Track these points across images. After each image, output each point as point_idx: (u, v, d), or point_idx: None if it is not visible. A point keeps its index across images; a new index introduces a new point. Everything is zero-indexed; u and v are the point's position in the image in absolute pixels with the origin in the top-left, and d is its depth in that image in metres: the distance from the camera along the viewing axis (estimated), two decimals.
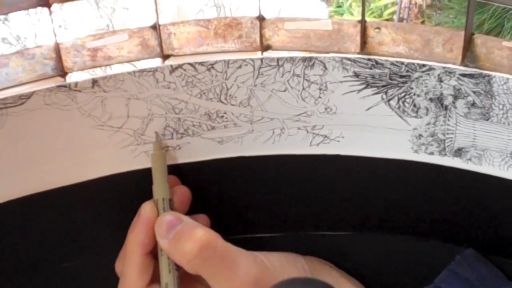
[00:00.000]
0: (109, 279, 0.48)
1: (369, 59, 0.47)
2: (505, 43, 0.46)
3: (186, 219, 0.46)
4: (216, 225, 0.48)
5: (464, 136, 0.48)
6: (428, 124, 0.48)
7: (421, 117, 0.48)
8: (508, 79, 0.45)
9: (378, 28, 0.48)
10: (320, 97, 0.49)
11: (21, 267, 0.51)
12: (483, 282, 0.48)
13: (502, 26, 3.08)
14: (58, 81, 0.48)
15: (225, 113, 0.50)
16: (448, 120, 0.48)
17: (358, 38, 0.48)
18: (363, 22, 0.48)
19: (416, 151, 0.49)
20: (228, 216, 0.53)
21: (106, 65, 0.49)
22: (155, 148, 0.49)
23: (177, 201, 0.48)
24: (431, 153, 0.49)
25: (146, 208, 0.47)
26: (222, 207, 0.53)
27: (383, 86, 0.48)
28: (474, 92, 0.46)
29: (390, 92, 0.48)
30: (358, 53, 0.48)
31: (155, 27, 0.49)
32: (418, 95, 0.47)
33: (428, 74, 0.47)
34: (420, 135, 0.49)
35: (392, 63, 0.47)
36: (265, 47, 0.49)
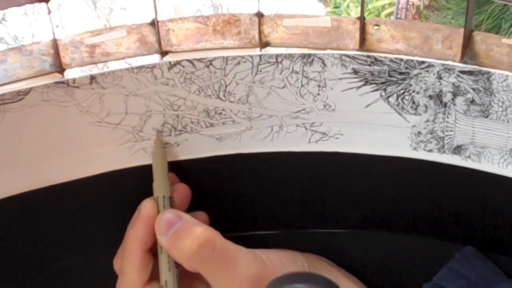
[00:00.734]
0: (107, 277, 0.48)
1: (368, 56, 0.47)
2: (505, 40, 0.46)
3: (186, 216, 0.46)
4: (215, 223, 0.48)
5: (463, 133, 0.48)
6: (427, 121, 0.48)
7: (420, 114, 0.48)
8: (507, 76, 0.45)
9: (377, 25, 0.48)
10: (319, 94, 0.49)
11: (18, 264, 0.51)
12: (482, 279, 0.48)
13: (499, 27, 3.08)
14: (56, 77, 0.48)
15: (223, 110, 0.49)
16: (447, 117, 0.47)
17: (357, 35, 0.48)
18: (362, 19, 0.48)
19: (415, 149, 0.49)
20: (227, 213, 0.53)
21: (104, 62, 0.49)
22: (156, 145, 0.49)
23: (177, 199, 0.48)
24: (430, 151, 0.49)
25: (147, 206, 0.47)
26: (221, 204, 0.53)
27: (382, 83, 0.48)
28: (473, 89, 0.46)
29: (389, 89, 0.48)
30: (357, 50, 0.48)
31: (153, 24, 0.49)
32: (417, 92, 0.47)
33: (427, 71, 0.46)
34: (419, 132, 0.49)
35: (391, 60, 0.47)
36: (264, 44, 0.49)
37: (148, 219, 0.46)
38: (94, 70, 0.48)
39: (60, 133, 0.48)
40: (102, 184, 0.50)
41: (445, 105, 0.47)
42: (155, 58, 0.50)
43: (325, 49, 0.49)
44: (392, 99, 0.48)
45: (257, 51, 0.49)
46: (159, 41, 0.49)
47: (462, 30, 0.47)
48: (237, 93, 0.49)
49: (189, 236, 0.44)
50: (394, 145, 0.49)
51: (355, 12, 3.56)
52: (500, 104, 0.46)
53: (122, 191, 0.50)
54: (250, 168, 0.52)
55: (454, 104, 0.47)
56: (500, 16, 3.05)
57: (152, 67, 0.47)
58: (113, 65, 0.48)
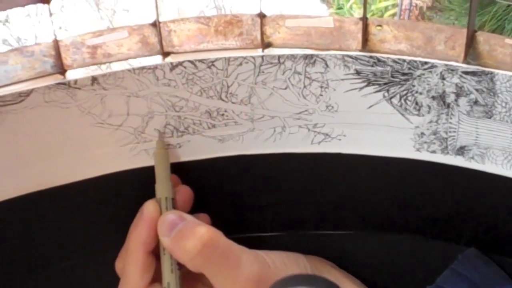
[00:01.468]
0: (109, 278, 0.48)
1: (370, 57, 0.47)
2: (508, 41, 0.46)
3: (189, 217, 0.46)
4: (217, 224, 0.47)
5: (467, 134, 0.47)
6: (430, 122, 0.48)
7: (423, 115, 0.48)
8: (511, 76, 0.44)
9: (380, 25, 0.48)
10: (321, 95, 0.48)
11: (20, 266, 0.51)
12: (485, 281, 0.48)
13: (503, 28, 3.07)
14: (58, 78, 0.48)
15: (225, 111, 0.49)
16: (451, 118, 0.47)
17: (359, 36, 0.48)
18: (364, 19, 0.48)
19: (418, 150, 0.49)
20: (229, 215, 0.53)
21: (105, 63, 0.49)
22: (158, 146, 0.49)
23: (180, 200, 0.48)
24: (433, 152, 0.49)
25: (149, 207, 0.46)
26: (223, 206, 0.53)
27: (385, 84, 0.47)
28: (476, 90, 0.46)
29: (392, 90, 0.47)
30: (360, 51, 0.48)
31: (155, 24, 0.49)
32: (420, 93, 0.47)
33: (430, 71, 0.46)
34: (422, 133, 0.48)
35: (394, 61, 0.47)
36: (266, 45, 0.49)
37: (150, 221, 0.46)
38: (96, 71, 0.48)
39: (62, 134, 0.48)
40: (104, 186, 0.50)
41: (448, 106, 0.47)
42: (157, 59, 0.49)
43: (327, 49, 0.49)
44: (395, 100, 0.48)
45: (259, 52, 0.49)
46: (160, 42, 0.49)
47: (465, 30, 0.47)
48: (239, 94, 0.49)
49: (193, 236, 0.44)
50: (397, 146, 0.49)
51: (358, 13, 3.56)
52: (503, 104, 0.45)
53: (124, 192, 0.50)
54: (253, 169, 0.51)
55: (458, 105, 0.47)
56: (504, 17, 3.04)
57: (154, 68, 0.47)
58: (115, 66, 0.48)
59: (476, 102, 0.46)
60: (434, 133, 0.48)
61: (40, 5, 0.47)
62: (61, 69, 0.48)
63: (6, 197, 0.48)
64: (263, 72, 0.48)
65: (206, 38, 0.49)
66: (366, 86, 0.48)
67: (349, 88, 0.48)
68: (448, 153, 0.48)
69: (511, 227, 0.50)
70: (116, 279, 0.48)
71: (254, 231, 0.54)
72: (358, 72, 0.47)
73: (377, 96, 0.48)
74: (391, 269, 0.53)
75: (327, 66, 0.47)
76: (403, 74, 0.47)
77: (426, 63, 0.46)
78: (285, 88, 0.48)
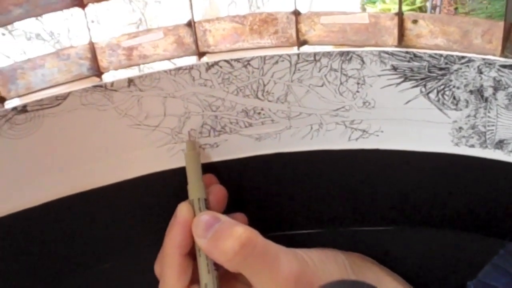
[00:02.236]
0: (148, 280, 0.48)
1: (407, 52, 0.47)
2: None
3: (224, 217, 0.46)
4: (256, 223, 0.47)
5: (505, 128, 0.47)
6: (468, 116, 0.48)
7: (461, 110, 0.48)
8: None
9: (416, 20, 0.48)
10: (358, 91, 0.48)
11: (59, 268, 0.51)
12: None
13: None
14: (94, 81, 0.48)
15: (262, 109, 0.49)
16: (489, 112, 0.47)
17: (395, 31, 0.48)
18: (400, 15, 0.48)
19: (456, 144, 0.49)
20: (267, 213, 0.53)
21: (141, 64, 0.49)
22: (188, 148, 0.49)
23: (213, 201, 0.48)
24: (472, 146, 0.48)
25: (182, 209, 0.46)
26: (261, 204, 0.53)
27: (422, 79, 0.47)
28: None
29: (429, 85, 0.47)
30: (396, 46, 0.48)
31: (190, 25, 0.49)
32: (458, 88, 0.47)
33: (468, 66, 0.46)
34: (460, 128, 0.48)
35: (430, 56, 0.46)
36: (302, 42, 0.49)
37: (184, 223, 0.46)
38: (132, 72, 0.48)
39: (99, 137, 0.48)
40: (142, 187, 0.50)
41: (486, 99, 0.47)
42: (192, 59, 0.49)
43: (363, 46, 0.48)
44: (432, 95, 0.47)
45: (295, 50, 0.49)
46: (196, 42, 0.49)
47: (502, 23, 0.46)
48: (275, 93, 0.49)
49: (230, 237, 0.44)
50: (435, 141, 0.49)
51: (390, 0, 3.53)
52: None
53: (162, 193, 0.50)
54: (290, 167, 0.51)
55: (496, 99, 0.46)
56: None
57: (190, 68, 0.47)
58: (151, 67, 0.48)
59: None
60: (472, 127, 0.48)
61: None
62: (97, 72, 0.48)
63: (46, 200, 0.48)
64: (299, 70, 0.48)
65: (241, 37, 0.49)
66: (403, 81, 0.48)
67: (385, 84, 0.48)
68: (487, 147, 0.48)
69: None
70: (155, 281, 0.48)
71: (292, 229, 0.54)
72: (394, 68, 0.47)
73: (414, 92, 0.48)
74: (431, 265, 0.53)
75: (363, 62, 0.47)
76: (440, 69, 0.47)
77: (463, 57, 0.46)
78: (322, 85, 0.48)
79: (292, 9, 0.49)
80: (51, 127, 0.46)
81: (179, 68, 0.47)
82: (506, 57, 0.46)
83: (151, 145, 0.49)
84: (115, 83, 0.47)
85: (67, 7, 0.46)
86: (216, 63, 0.47)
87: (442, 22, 0.48)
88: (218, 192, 0.49)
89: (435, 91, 0.47)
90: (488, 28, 0.47)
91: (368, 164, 0.51)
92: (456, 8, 3.52)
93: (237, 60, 0.47)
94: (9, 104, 0.47)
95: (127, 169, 0.50)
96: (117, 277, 0.53)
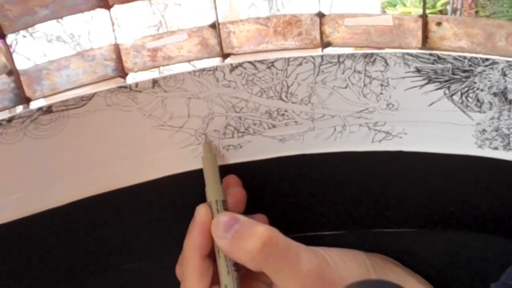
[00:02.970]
0: (171, 280, 0.48)
1: (431, 54, 0.47)
2: None
3: (243, 218, 0.46)
4: (278, 223, 0.48)
5: None
6: (492, 118, 0.48)
7: (484, 112, 0.47)
8: None
9: (440, 22, 0.48)
10: (381, 93, 0.48)
11: (84, 268, 0.52)
12: None
13: None
14: (119, 82, 0.48)
15: (286, 111, 0.49)
16: None
17: (419, 33, 0.48)
18: (424, 17, 0.48)
19: (480, 146, 0.49)
20: (290, 214, 0.53)
21: (166, 65, 0.49)
22: (205, 150, 0.49)
23: (232, 202, 0.48)
24: (496, 148, 0.48)
25: (201, 211, 0.47)
26: (284, 205, 0.53)
27: (445, 81, 0.47)
28: None
29: (453, 87, 0.47)
30: (420, 48, 0.48)
31: (214, 26, 0.49)
32: (482, 90, 0.47)
33: (492, 68, 0.46)
34: (484, 130, 0.48)
35: (454, 58, 0.46)
36: (325, 44, 0.49)
37: (203, 225, 0.46)
38: (156, 73, 0.48)
39: (124, 137, 0.48)
40: (166, 188, 0.50)
41: (510, 102, 0.47)
42: (216, 61, 0.50)
43: (387, 48, 0.48)
44: (456, 97, 0.47)
45: (318, 52, 0.49)
46: (220, 43, 0.49)
47: None
48: (299, 94, 0.49)
49: (252, 236, 0.44)
50: (459, 143, 0.49)
51: (410, 2, 3.51)
52: None
53: (186, 193, 0.51)
54: (313, 168, 0.51)
55: None
56: None
57: (214, 69, 0.47)
58: (175, 68, 0.49)
59: None
60: (496, 129, 0.48)
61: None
62: (122, 73, 0.49)
63: (70, 200, 0.49)
64: (322, 71, 0.48)
65: (266, 39, 0.49)
66: (427, 83, 0.48)
67: (409, 86, 0.48)
68: (510, 149, 0.48)
69: None
70: (177, 281, 0.48)
71: (315, 230, 0.54)
72: (418, 70, 0.47)
73: (438, 94, 0.48)
74: (455, 266, 0.53)
75: (387, 64, 0.47)
76: (464, 71, 0.46)
77: (487, 59, 0.46)
78: (345, 87, 0.48)
79: (316, 11, 0.49)
80: (76, 127, 0.47)
81: (203, 70, 0.47)
82: None
83: (175, 146, 0.50)
84: (140, 84, 0.47)
85: (93, 8, 0.47)
86: (240, 64, 0.48)
87: (466, 25, 0.47)
88: (237, 193, 0.49)
89: (459, 93, 0.47)
90: None
91: (391, 166, 0.51)
92: (477, 11, 3.51)
93: (261, 61, 0.48)
94: (34, 105, 0.47)
95: (151, 170, 0.50)
96: (140, 277, 0.53)
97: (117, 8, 0.47)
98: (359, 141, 0.50)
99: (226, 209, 0.47)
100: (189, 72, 0.47)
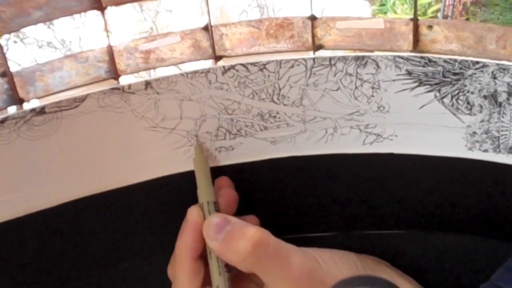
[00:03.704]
0: (162, 280, 0.49)
1: (422, 57, 0.47)
2: None
3: (234, 219, 0.46)
4: (270, 225, 0.48)
5: None
6: (482, 121, 0.48)
7: (475, 115, 0.48)
8: None
9: (431, 26, 0.48)
10: (373, 95, 0.49)
11: (76, 268, 0.52)
12: None
13: None
14: (112, 83, 0.49)
15: (277, 113, 0.50)
16: (503, 117, 0.47)
17: (410, 36, 0.48)
18: (415, 20, 0.48)
19: (470, 149, 0.49)
20: (281, 215, 0.53)
21: (158, 67, 0.49)
22: (196, 152, 0.49)
23: (223, 203, 0.48)
24: (486, 151, 0.49)
25: (192, 213, 0.47)
26: (275, 207, 0.53)
27: (436, 84, 0.47)
28: None
29: (444, 90, 0.48)
30: (411, 51, 0.48)
31: (207, 29, 0.49)
32: (472, 93, 0.47)
33: (482, 71, 0.46)
34: (474, 133, 0.48)
35: (445, 61, 0.47)
36: (317, 47, 0.49)
37: (194, 227, 0.46)
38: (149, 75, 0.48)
39: (116, 138, 0.49)
40: (158, 189, 0.51)
41: (500, 104, 0.47)
42: (209, 63, 0.50)
43: (378, 50, 0.49)
44: (446, 100, 0.48)
45: (310, 54, 0.50)
46: (213, 46, 0.50)
47: None
48: (291, 96, 0.49)
49: (243, 237, 0.44)
50: (449, 146, 0.49)
51: (401, 10, 3.53)
52: None
53: (178, 195, 0.51)
54: (305, 170, 0.52)
55: (509, 104, 0.47)
56: None
57: (206, 72, 0.48)
58: (168, 71, 0.49)
59: None
60: (486, 132, 0.48)
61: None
62: (115, 75, 0.49)
63: (62, 201, 0.49)
64: (314, 74, 0.48)
65: (258, 41, 0.50)
66: (418, 86, 0.48)
67: (400, 88, 0.48)
68: (500, 151, 0.48)
69: None
70: (169, 281, 0.48)
71: (306, 232, 0.54)
72: (409, 73, 0.48)
73: (429, 96, 0.48)
74: (445, 268, 0.53)
75: (378, 67, 0.48)
76: (455, 74, 0.47)
77: (477, 62, 0.46)
78: (337, 90, 0.49)
79: (308, 14, 0.49)
80: (69, 128, 0.47)
81: (195, 72, 0.48)
82: None
83: (168, 148, 0.50)
84: (132, 85, 0.47)
85: (86, 10, 0.47)
86: (233, 66, 0.48)
87: (457, 28, 0.48)
88: (228, 195, 0.49)
89: (449, 96, 0.48)
90: (503, 34, 0.47)
91: (382, 168, 0.51)
92: (467, 19, 3.52)
93: (253, 64, 0.48)
94: (27, 106, 0.47)
95: (143, 171, 0.50)
96: (133, 277, 0.54)
97: (110, 10, 0.47)
98: (350, 143, 0.51)
99: (217, 210, 0.47)
100: (182, 74, 0.47)
